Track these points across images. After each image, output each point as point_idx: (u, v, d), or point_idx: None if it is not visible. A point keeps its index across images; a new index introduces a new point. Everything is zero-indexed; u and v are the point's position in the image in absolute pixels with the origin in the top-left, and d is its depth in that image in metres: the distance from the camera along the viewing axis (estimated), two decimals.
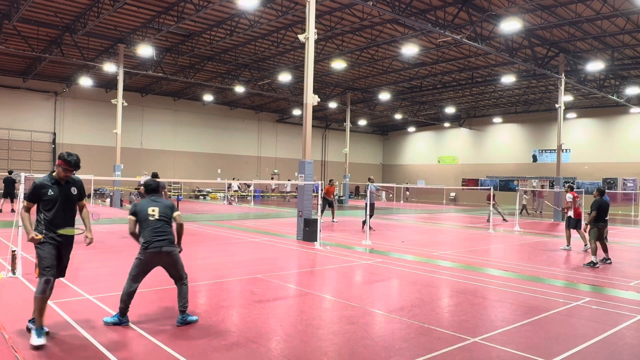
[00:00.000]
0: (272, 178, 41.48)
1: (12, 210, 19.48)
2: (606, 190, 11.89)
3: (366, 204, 14.46)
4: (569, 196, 12.71)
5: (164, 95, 36.18)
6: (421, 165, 47.38)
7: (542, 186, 37.27)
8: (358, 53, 24.61)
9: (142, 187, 5.99)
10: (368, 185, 15.51)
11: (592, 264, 10.11)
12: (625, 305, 6.93)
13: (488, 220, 19.42)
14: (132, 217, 5.59)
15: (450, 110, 38.01)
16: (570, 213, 12.65)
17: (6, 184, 19.41)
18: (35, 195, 4.94)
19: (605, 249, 10.62)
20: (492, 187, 22.06)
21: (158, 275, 8.23)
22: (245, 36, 22.44)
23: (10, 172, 19.88)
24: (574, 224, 12.60)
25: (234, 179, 36.10)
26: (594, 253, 10.21)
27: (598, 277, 9.06)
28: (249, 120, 41.79)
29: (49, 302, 6.15)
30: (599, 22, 18.81)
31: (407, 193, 43.20)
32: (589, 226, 10.51)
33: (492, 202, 19.98)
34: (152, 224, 5.49)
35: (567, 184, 13.31)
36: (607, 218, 10.84)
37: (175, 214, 5.68)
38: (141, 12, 19.72)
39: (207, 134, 39.05)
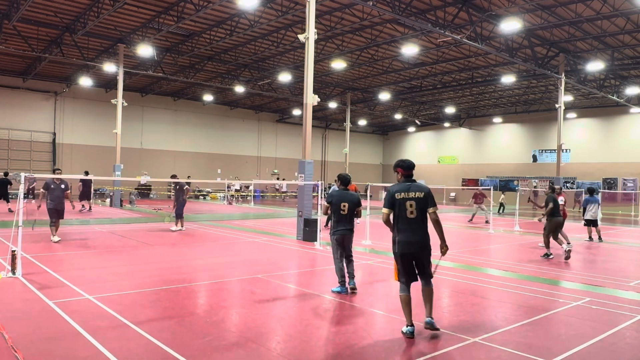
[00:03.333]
0: (280, 178, 41.11)
1: (10, 210, 19.42)
2: (604, 190, 12.30)
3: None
4: (561, 199, 13.01)
5: (164, 95, 36.16)
6: (421, 165, 47.26)
7: (535, 186, 37.28)
8: (358, 53, 24.61)
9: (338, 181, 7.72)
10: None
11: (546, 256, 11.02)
12: (625, 305, 6.93)
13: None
14: (327, 204, 7.43)
15: (450, 110, 38.01)
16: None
17: (0, 185, 19.32)
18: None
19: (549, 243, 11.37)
20: (491, 187, 22.99)
21: (158, 276, 8.25)
22: (245, 36, 22.44)
23: (6, 174, 19.78)
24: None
25: (236, 178, 36.05)
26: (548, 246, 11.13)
27: (598, 277, 9.06)
28: (249, 120, 41.78)
29: (49, 302, 6.17)
30: (599, 22, 18.81)
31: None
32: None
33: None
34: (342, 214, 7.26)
35: (558, 187, 13.46)
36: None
37: (360, 208, 7.36)
38: (141, 12, 19.72)
39: (207, 134, 39.04)
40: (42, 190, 11.69)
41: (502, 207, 27.28)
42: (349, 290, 7.20)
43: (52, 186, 11.58)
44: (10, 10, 19.20)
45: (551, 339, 5.35)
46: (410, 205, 5.28)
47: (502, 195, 28.30)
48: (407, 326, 5.24)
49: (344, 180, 7.57)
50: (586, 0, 16.86)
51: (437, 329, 5.31)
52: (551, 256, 11.05)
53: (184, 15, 19.03)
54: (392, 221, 5.43)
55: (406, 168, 5.46)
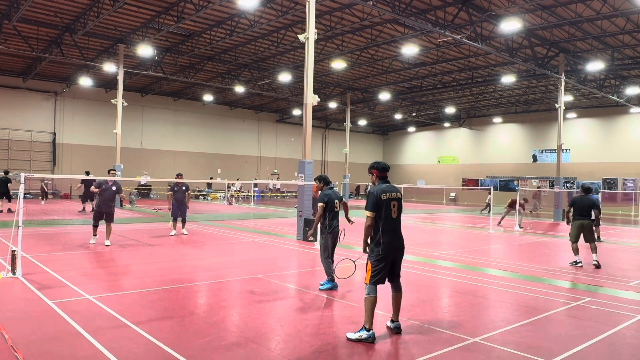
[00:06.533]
0: (274, 178, 41.05)
1: (10, 211, 19.33)
2: (604, 190, 12.01)
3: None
4: None
5: (164, 95, 36.16)
6: (421, 165, 47.37)
7: (538, 187, 37.23)
8: (358, 53, 24.60)
9: (320, 182, 7.96)
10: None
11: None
12: (625, 305, 6.93)
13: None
14: (323, 204, 7.48)
15: (450, 110, 38.00)
16: None
17: (0, 184, 19.21)
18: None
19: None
20: (491, 188, 22.05)
21: (158, 276, 8.25)
22: (245, 36, 22.43)
23: (6, 172, 19.69)
24: None
25: (237, 179, 36.03)
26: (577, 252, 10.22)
27: (598, 277, 9.06)
28: (249, 120, 41.78)
29: (49, 302, 6.18)
30: (599, 22, 18.80)
31: None
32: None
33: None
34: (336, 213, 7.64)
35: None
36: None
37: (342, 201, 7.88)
38: (141, 12, 19.71)
39: (207, 134, 39.03)
40: (95, 189, 11.18)
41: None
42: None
43: (104, 186, 11.20)
44: (10, 10, 19.19)
45: (551, 339, 5.35)
46: (394, 206, 5.29)
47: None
48: (369, 330, 5.06)
49: (327, 180, 7.91)
50: (586, 0, 16.85)
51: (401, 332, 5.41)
52: (580, 263, 10.21)
53: (184, 15, 19.02)
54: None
55: (382, 170, 5.47)
